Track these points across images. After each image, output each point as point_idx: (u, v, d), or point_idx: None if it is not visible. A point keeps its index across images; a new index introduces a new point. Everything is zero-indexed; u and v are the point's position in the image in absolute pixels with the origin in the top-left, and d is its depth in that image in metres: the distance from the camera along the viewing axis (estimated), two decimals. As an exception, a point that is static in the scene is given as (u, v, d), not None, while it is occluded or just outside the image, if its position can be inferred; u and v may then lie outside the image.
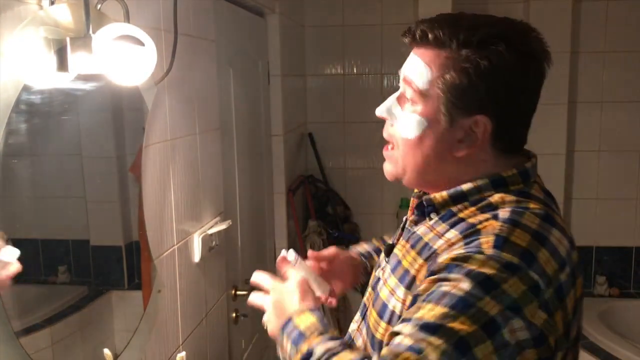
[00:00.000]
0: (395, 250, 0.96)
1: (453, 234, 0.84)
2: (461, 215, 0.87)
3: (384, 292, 0.92)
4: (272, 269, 3.15)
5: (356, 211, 3.27)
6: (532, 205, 0.84)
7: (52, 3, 0.99)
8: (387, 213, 3.27)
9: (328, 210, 3.22)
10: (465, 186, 0.88)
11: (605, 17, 3.16)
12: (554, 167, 3.16)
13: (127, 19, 1.13)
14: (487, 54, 0.82)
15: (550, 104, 3.11)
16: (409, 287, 0.86)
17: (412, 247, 0.91)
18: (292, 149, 2.97)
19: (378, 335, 0.91)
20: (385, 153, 0.96)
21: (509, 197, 0.85)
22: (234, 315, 2.11)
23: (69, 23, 1.03)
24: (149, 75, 1.15)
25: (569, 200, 3.29)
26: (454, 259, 0.77)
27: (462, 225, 0.84)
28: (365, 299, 1.03)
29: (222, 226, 1.82)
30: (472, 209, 0.86)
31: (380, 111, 0.94)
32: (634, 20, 3.14)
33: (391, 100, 0.93)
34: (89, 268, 1.22)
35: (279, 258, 1.08)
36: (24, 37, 0.92)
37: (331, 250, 1.18)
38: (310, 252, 1.13)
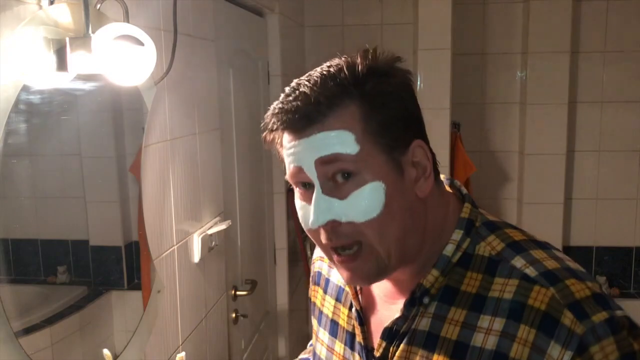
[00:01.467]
0: None
1: (500, 322, 0.71)
2: (467, 288, 0.75)
3: None
4: (272, 269, 3.14)
5: (356, 211, 3.27)
6: (515, 238, 0.77)
7: (51, 3, 0.99)
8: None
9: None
10: (448, 250, 0.77)
11: (605, 17, 3.16)
12: (554, 167, 3.16)
13: (127, 18, 1.13)
14: (382, 78, 0.74)
15: (550, 104, 3.12)
16: None
17: (430, 350, 0.76)
18: (292, 149, 2.97)
19: None
20: (346, 257, 0.75)
21: (494, 241, 0.77)
22: (233, 315, 2.11)
23: (69, 23, 1.03)
24: (149, 75, 1.15)
25: (569, 200, 3.29)
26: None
27: (499, 306, 0.72)
28: None
29: (222, 226, 1.82)
30: (471, 274, 0.76)
31: (323, 220, 0.73)
32: (634, 20, 3.14)
33: (320, 198, 0.73)
34: (89, 268, 1.22)
35: None
36: (24, 37, 0.92)
37: None
38: None
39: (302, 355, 1.13)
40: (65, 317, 1.12)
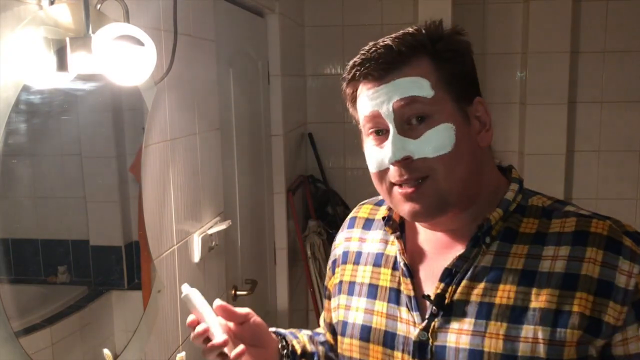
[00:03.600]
0: (458, 297, 0.83)
1: (566, 249, 0.80)
2: (525, 229, 0.84)
3: (492, 345, 0.79)
4: (272, 269, 3.14)
5: (356, 211, 3.27)
6: (555, 197, 0.90)
7: (51, 3, 0.99)
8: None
9: (328, 210, 3.22)
10: (509, 195, 0.87)
11: (605, 17, 3.16)
12: (554, 167, 3.16)
13: (127, 19, 1.13)
14: (453, 39, 0.86)
15: (550, 104, 3.11)
16: (547, 322, 0.77)
17: (496, 281, 0.81)
18: (292, 149, 2.97)
19: None
20: (411, 190, 0.82)
21: (541, 198, 0.89)
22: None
23: (69, 23, 1.03)
24: (149, 75, 1.15)
25: (569, 200, 3.28)
26: None
27: (563, 238, 0.82)
28: None
29: (222, 226, 1.82)
30: (527, 219, 0.85)
31: (399, 155, 0.80)
32: (634, 20, 3.14)
33: (397, 138, 0.81)
34: (89, 268, 1.22)
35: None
36: (24, 37, 0.92)
37: (244, 310, 0.97)
38: (218, 302, 0.93)
39: (310, 331, 1.13)
40: (66, 317, 1.12)
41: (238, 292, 2.14)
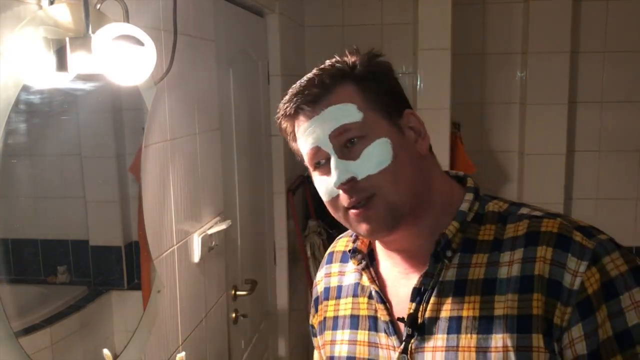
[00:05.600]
0: (429, 315, 0.84)
1: (520, 252, 0.80)
2: (483, 237, 0.84)
3: (469, 357, 0.79)
4: (272, 269, 3.14)
5: (356, 211, 3.27)
6: (511, 200, 0.91)
7: (51, 3, 0.99)
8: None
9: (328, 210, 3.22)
10: (464, 207, 0.87)
11: (605, 17, 3.16)
12: (554, 167, 3.16)
13: (127, 19, 1.13)
14: (365, 69, 0.88)
15: (550, 104, 3.11)
16: (513, 328, 0.77)
17: (460, 294, 0.81)
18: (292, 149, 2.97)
19: None
20: (361, 210, 0.84)
21: (498, 202, 0.89)
22: (233, 315, 2.11)
23: (69, 23, 1.03)
24: (149, 75, 1.15)
25: (569, 200, 3.28)
26: (603, 285, 0.75)
27: (516, 241, 0.81)
28: None
29: (222, 226, 1.82)
30: (484, 227, 0.85)
31: (343, 179, 0.82)
32: (634, 20, 3.14)
33: (338, 163, 0.84)
34: (89, 268, 1.22)
35: None
36: (24, 37, 0.92)
37: None
38: None
39: None
40: (65, 317, 1.12)
41: (238, 292, 2.14)
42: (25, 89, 0.94)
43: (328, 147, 0.85)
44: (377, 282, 0.92)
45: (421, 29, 2.87)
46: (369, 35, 3.19)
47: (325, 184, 0.87)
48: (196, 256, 1.69)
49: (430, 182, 0.88)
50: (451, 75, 2.91)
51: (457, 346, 0.80)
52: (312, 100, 0.86)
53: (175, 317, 1.56)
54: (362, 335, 0.92)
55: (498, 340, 0.77)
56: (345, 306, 0.97)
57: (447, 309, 0.82)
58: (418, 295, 0.85)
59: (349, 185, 0.83)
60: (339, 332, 0.97)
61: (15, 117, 0.93)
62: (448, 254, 0.84)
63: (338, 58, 0.90)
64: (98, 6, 1.11)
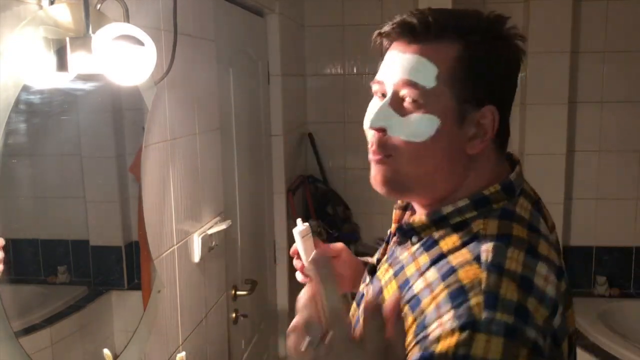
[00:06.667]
0: (378, 274, 0.91)
1: (434, 276, 0.77)
2: (443, 245, 0.81)
3: None
4: (272, 269, 3.13)
5: (356, 211, 3.27)
6: (514, 233, 0.78)
7: (51, 3, 0.99)
8: (387, 213, 3.23)
9: (328, 210, 3.22)
10: (446, 209, 0.83)
11: (605, 17, 3.16)
12: (554, 167, 3.16)
13: (127, 18, 1.13)
14: (486, 44, 0.81)
15: (550, 104, 3.11)
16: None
17: (395, 275, 0.85)
18: (292, 149, 2.97)
19: None
20: (376, 159, 0.85)
21: (492, 224, 0.80)
22: (233, 315, 2.11)
23: (69, 23, 1.03)
24: (149, 75, 1.15)
25: (569, 200, 3.29)
26: (456, 354, 0.67)
27: (443, 266, 0.77)
28: (350, 314, 0.97)
29: (222, 226, 1.82)
30: (454, 237, 0.81)
31: (374, 123, 0.83)
32: (634, 20, 3.14)
33: (384, 108, 0.83)
34: (89, 268, 1.22)
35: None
36: (24, 37, 0.92)
37: (338, 246, 1.11)
38: (319, 244, 1.07)
39: None
40: (65, 317, 1.12)
41: (238, 292, 2.14)
42: (25, 89, 0.94)
43: (389, 88, 0.84)
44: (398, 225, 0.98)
45: (421, 29, 2.87)
46: (369, 35, 3.18)
47: (367, 113, 0.87)
48: (196, 256, 1.69)
49: (459, 179, 0.84)
50: (451, 75, 2.90)
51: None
52: (407, 38, 0.83)
53: (175, 317, 1.56)
54: (367, 277, 1.01)
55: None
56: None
57: (385, 277, 0.88)
58: (387, 255, 0.93)
59: (379, 136, 0.84)
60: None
61: (15, 117, 0.93)
62: (413, 240, 0.86)
63: (474, 11, 0.83)
64: (98, 6, 1.11)
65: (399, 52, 0.84)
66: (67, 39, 0.97)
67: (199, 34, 1.72)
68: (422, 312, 0.74)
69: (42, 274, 1.09)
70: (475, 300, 0.70)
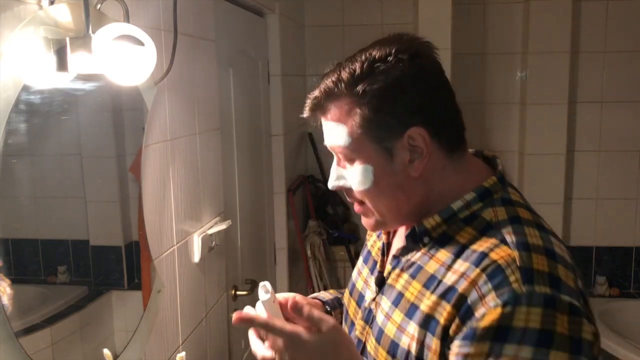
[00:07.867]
0: (390, 281, 0.94)
1: (465, 266, 0.81)
2: (460, 238, 0.86)
3: (389, 329, 0.89)
4: (272, 269, 3.13)
5: (356, 211, 3.27)
6: (521, 215, 0.86)
7: (51, 3, 0.99)
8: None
9: (328, 210, 3.22)
10: (455, 205, 0.88)
11: (605, 17, 3.16)
12: (554, 167, 3.16)
13: (127, 18, 1.13)
14: (377, 76, 0.84)
15: (550, 103, 3.12)
16: (423, 325, 0.83)
17: (413, 277, 0.89)
18: (292, 149, 2.97)
19: None
20: (357, 209, 0.97)
21: (500, 211, 0.86)
22: (233, 315, 2.11)
23: (69, 23, 1.03)
24: (149, 75, 1.15)
25: (569, 200, 3.29)
26: (499, 327, 0.74)
27: (471, 255, 0.82)
28: (358, 333, 0.99)
29: (222, 226, 1.82)
30: (469, 229, 0.86)
31: (333, 185, 0.95)
32: (634, 20, 3.14)
33: (334, 170, 0.95)
34: (89, 268, 1.22)
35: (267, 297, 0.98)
36: (24, 37, 0.92)
37: (297, 298, 1.04)
38: (289, 299, 1.02)
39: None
40: (65, 317, 1.12)
41: (238, 292, 2.14)
42: (25, 89, 0.94)
43: (331, 151, 0.94)
44: (390, 236, 1.02)
45: (421, 29, 2.87)
46: (369, 35, 3.19)
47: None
48: (196, 256, 1.69)
49: (425, 197, 0.90)
50: (451, 75, 2.91)
51: (391, 316, 0.90)
52: (315, 105, 0.92)
53: (176, 317, 1.56)
54: (365, 271, 1.06)
55: (413, 328, 0.85)
56: (371, 241, 1.10)
57: (401, 284, 0.91)
58: (394, 261, 0.95)
59: (345, 191, 0.95)
60: (360, 259, 1.12)
61: (15, 117, 0.93)
62: (425, 240, 0.90)
63: (352, 61, 0.88)
64: (98, 6, 1.11)
65: (323, 121, 0.93)
66: (67, 39, 0.97)
67: (199, 34, 1.72)
68: (463, 296, 0.79)
69: (42, 274, 1.09)
70: (513, 277, 0.76)
